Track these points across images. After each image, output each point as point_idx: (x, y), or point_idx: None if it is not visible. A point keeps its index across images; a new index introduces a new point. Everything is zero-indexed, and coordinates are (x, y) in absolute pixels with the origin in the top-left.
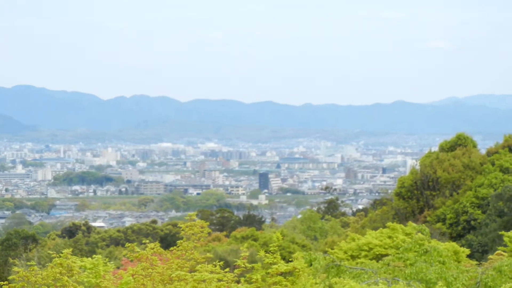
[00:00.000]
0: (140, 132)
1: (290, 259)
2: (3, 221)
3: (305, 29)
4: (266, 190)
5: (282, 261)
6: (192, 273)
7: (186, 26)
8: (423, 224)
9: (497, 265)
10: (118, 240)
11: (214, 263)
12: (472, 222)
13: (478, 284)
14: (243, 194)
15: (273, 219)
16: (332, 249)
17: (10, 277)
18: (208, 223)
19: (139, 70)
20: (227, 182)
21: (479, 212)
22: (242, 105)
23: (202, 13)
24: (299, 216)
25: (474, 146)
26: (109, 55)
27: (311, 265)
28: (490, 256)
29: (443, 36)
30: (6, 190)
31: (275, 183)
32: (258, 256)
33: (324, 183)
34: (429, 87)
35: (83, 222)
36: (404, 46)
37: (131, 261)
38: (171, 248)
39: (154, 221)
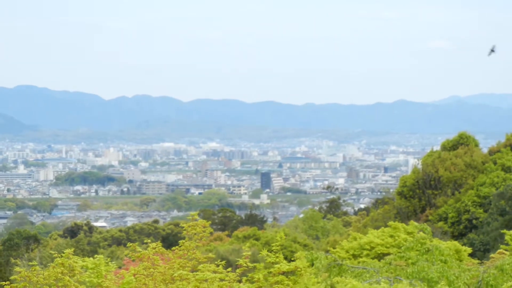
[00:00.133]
0: (141, 132)
1: (292, 259)
2: (5, 221)
3: (305, 29)
4: (268, 190)
5: (284, 261)
6: (194, 273)
7: (187, 26)
8: (425, 223)
9: (499, 264)
10: (120, 240)
11: (216, 262)
12: (474, 221)
13: (479, 283)
14: (245, 193)
15: (275, 218)
16: (334, 248)
17: (12, 277)
18: (210, 222)
19: (141, 70)
20: (229, 182)
21: (481, 211)
22: (243, 105)
23: (203, 13)
24: (301, 216)
25: (476, 145)
26: (110, 55)
27: (313, 264)
28: (492, 255)
29: (444, 36)
30: (8, 190)
31: (277, 182)
32: (260, 256)
33: (326, 182)
34: (431, 87)
35: (85, 222)
36: (405, 46)
37: (133, 260)
38: (173, 248)
39: (156, 221)
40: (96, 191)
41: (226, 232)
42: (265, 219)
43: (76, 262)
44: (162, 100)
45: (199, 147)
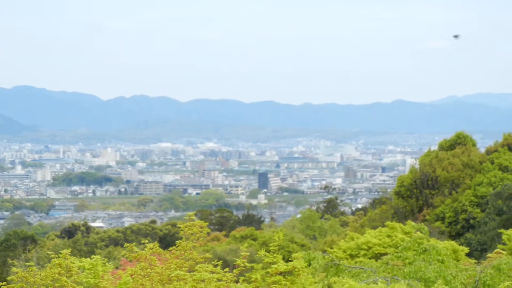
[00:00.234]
0: (139, 132)
1: (289, 259)
2: (2, 221)
3: (305, 29)
4: (265, 190)
5: (282, 261)
6: (192, 273)
7: (186, 26)
8: (422, 223)
9: (496, 264)
10: (117, 240)
11: (213, 262)
12: (471, 221)
13: (477, 283)
14: (243, 193)
15: (272, 218)
16: (331, 248)
17: (9, 278)
18: (207, 223)
19: (139, 70)
20: (226, 182)
21: (478, 210)
22: (241, 105)
23: (202, 13)
24: (299, 216)
25: (474, 144)
26: (108, 56)
27: (310, 264)
28: (489, 255)
29: (443, 36)
30: (5, 190)
31: (274, 182)
32: (258, 256)
33: (324, 182)
34: (429, 86)
35: (82, 222)
36: (403, 46)
37: (130, 261)
38: (170, 248)
39: (153, 221)
40: (94, 192)
41: (224, 232)
42: (262, 219)
43: (73, 263)
44: (160, 100)
45: (197, 147)
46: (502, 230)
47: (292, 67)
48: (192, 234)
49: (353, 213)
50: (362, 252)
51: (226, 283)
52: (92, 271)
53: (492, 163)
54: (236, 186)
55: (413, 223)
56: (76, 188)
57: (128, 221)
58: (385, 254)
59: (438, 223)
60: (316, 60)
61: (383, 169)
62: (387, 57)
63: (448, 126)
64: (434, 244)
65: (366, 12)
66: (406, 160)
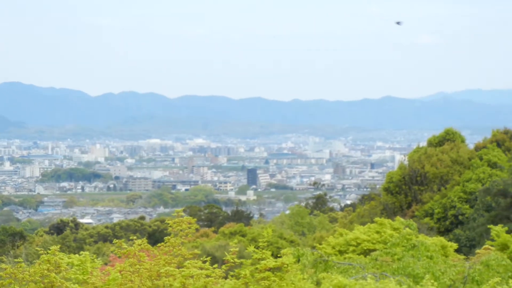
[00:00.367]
0: (128, 129)
1: (278, 255)
2: None
3: (291, 25)
4: (254, 186)
5: (271, 257)
6: (180, 269)
7: (173, 22)
8: (411, 219)
9: (485, 260)
10: (106, 236)
11: (202, 258)
12: (460, 217)
13: (465, 279)
14: (232, 190)
15: (261, 214)
16: (320, 244)
17: None
18: (196, 219)
19: (127, 66)
20: (215, 178)
21: (467, 206)
22: (230, 101)
23: (190, 9)
24: (287, 212)
25: (462, 141)
26: (97, 52)
27: (299, 260)
28: (478, 251)
29: (431, 31)
30: None
31: (263, 178)
32: (247, 252)
33: (313, 178)
34: (417, 83)
35: (71, 218)
36: (392, 41)
37: (119, 257)
38: (159, 244)
39: (142, 217)
40: (82, 188)
41: (213, 229)
42: (251, 215)
43: (62, 259)
44: (149, 96)
45: (186, 144)
46: (490, 226)
47: (280, 62)
48: (180, 230)
49: (342, 209)
50: (351, 248)
51: (215, 279)
52: (81, 267)
53: (481, 159)
54: (225, 182)
55: (402, 219)
56: (65, 184)
57: (117, 217)
58: (374, 250)
59: (427, 219)
60: (304, 56)
61: (372, 165)
62: (376, 53)
63: (437, 123)
64: (423, 240)
65: (354, 7)
66: (395, 156)
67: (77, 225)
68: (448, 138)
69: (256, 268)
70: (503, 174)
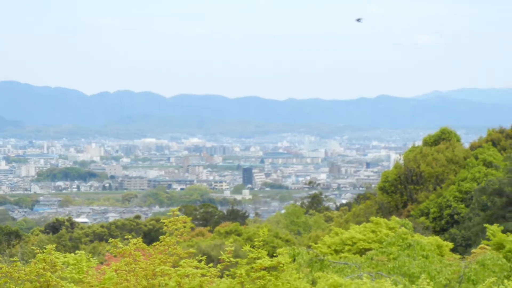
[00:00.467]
0: (124, 128)
1: (274, 254)
2: None
3: (291, 25)
4: (250, 185)
5: (266, 256)
6: (176, 268)
7: (173, 22)
8: (407, 218)
9: (480, 259)
10: (102, 235)
11: (197, 258)
12: (456, 216)
13: (461, 278)
14: (227, 189)
15: (257, 214)
16: (315, 243)
17: None
18: (191, 218)
19: (123, 65)
20: (211, 177)
21: (463, 206)
22: (226, 100)
23: (189, 9)
24: (283, 211)
25: (458, 140)
26: (93, 51)
27: (294, 259)
28: (473, 250)
29: (427, 31)
30: None
31: (259, 178)
32: (242, 251)
33: (308, 178)
34: (413, 82)
35: (66, 217)
36: (389, 41)
37: (115, 256)
38: (154, 244)
39: (138, 217)
40: (78, 187)
41: (208, 228)
42: (247, 214)
43: (58, 258)
44: (145, 95)
45: (181, 143)
46: (486, 225)
47: (278, 62)
48: (176, 229)
49: (337, 208)
50: (347, 247)
51: (210, 278)
52: (76, 267)
53: (476, 158)
54: (221, 182)
55: (397, 219)
56: (60, 183)
57: (112, 217)
58: (370, 249)
59: (422, 219)
60: (300, 55)
61: (368, 165)
62: (372, 52)
63: (432, 122)
64: (418, 239)
65: (354, 7)
66: (390, 155)
67: (72, 224)
68: (443, 137)
69: (252, 267)
70: (499, 173)
